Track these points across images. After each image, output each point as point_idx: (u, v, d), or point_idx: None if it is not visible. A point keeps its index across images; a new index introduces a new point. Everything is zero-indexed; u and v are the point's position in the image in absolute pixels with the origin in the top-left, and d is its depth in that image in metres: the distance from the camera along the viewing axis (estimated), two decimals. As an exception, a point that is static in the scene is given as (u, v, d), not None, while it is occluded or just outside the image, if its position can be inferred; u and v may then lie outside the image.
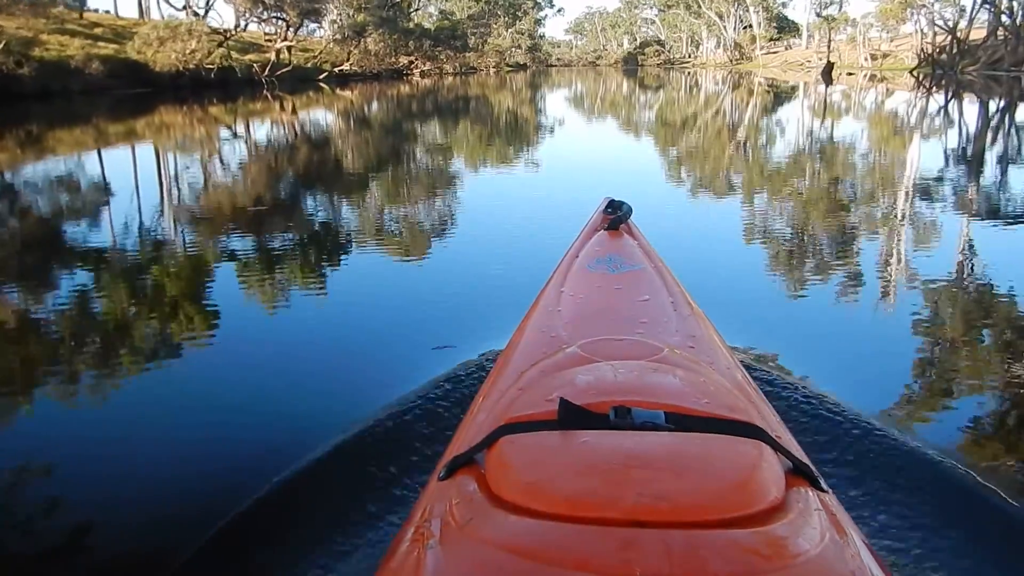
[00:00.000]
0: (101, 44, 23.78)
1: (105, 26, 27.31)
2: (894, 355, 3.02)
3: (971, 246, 4.84)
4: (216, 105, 21.53)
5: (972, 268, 4.29)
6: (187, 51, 22.73)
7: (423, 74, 45.07)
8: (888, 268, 4.22)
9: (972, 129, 14.34)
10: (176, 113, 19.34)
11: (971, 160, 9.88)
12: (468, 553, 0.85)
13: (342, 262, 4.89)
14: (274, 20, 29.73)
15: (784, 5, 70.27)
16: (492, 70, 61.60)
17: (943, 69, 33.46)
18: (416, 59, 44.22)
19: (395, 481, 1.98)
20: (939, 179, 8.17)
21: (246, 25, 28.59)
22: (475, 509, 0.93)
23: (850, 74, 36.93)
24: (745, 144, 12.03)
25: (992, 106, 20.26)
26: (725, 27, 68.17)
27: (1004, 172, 8.82)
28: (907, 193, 6.86)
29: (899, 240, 4.92)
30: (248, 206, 6.76)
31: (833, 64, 35.62)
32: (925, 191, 7.14)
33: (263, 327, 3.59)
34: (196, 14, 25.97)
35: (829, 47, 39.52)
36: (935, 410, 2.52)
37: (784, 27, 71.86)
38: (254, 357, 3.16)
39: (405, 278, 4.46)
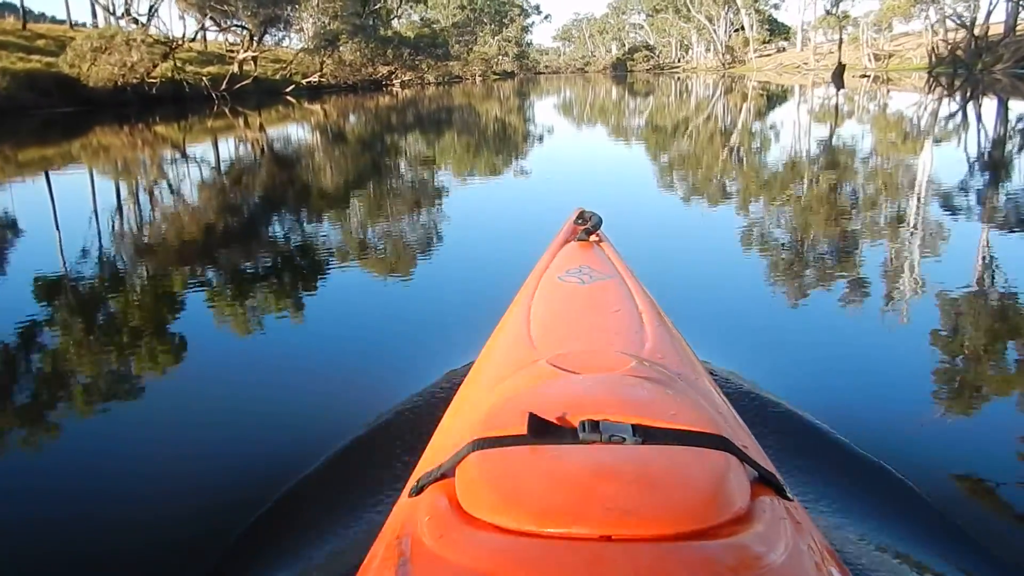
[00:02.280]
0: (35, 57, 21.31)
1: (49, 38, 24.79)
2: (864, 366, 2.99)
3: (951, 258, 4.79)
4: (163, 124, 19.20)
5: (947, 280, 4.16)
6: (127, 64, 20.09)
7: (404, 84, 43.11)
8: (862, 280, 4.22)
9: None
10: (114, 134, 17.04)
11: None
12: (439, 571, 0.89)
13: (308, 280, 4.76)
14: (235, 29, 27.21)
15: (776, 7, 68.72)
16: (478, 79, 60.12)
17: (965, 68, 31.03)
18: (396, 69, 42.07)
19: (365, 498, 1.97)
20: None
21: (196, 34, 26.04)
22: (445, 526, 0.95)
23: (863, 76, 34.51)
24: (741, 155, 10.07)
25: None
26: (715, 31, 66.55)
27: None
28: (911, 209, 6.48)
29: (878, 251, 4.90)
30: (193, 235, 6.42)
31: (844, 66, 33.31)
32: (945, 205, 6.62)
33: (228, 352, 3.49)
34: (137, 22, 23.31)
35: (841, 47, 37.04)
36: (905, 422, 2.50)
37: (774, 30, 70.48)
38: (217, 383, 3.10)
39: (374, 293, 4.41)
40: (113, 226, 6.89)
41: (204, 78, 23.61)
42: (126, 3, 23.34)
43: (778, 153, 11.06)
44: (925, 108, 19.01)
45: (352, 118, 22.28)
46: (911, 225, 5.68)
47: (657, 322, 1.70)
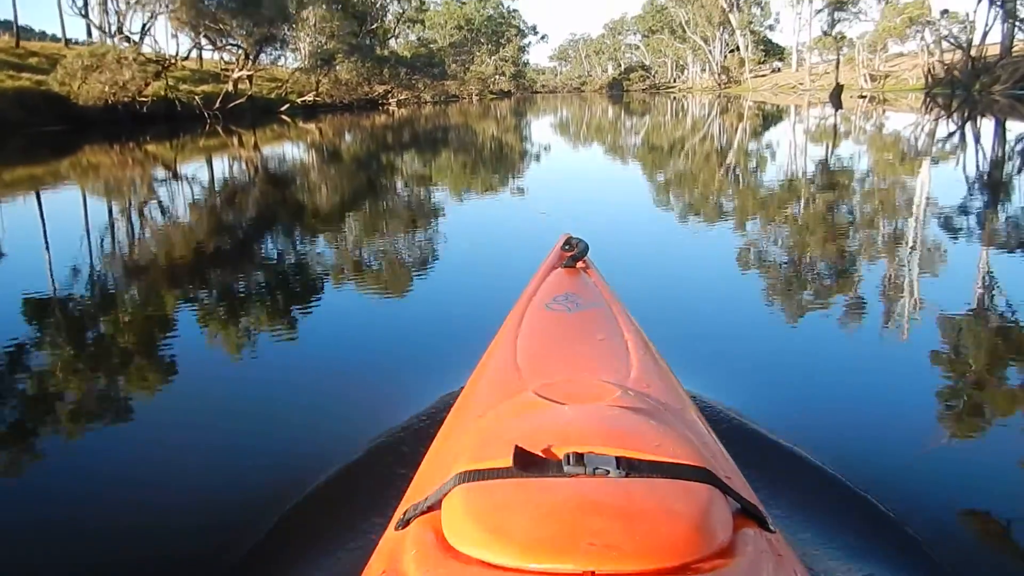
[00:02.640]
0: (26, 75, 21.08)
1: (43, 55, 24.60)
2: (850, 396, 2.93)
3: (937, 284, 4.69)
4: (154, 143, 18.97)
5: (936, 308, 4.07)
6: (118, 82, 19.78)
7: (400, 103, 43.03)
8: (851, 309, 4.11)
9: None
10: (104, 153, 16.80)
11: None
12: None
13: (296, 305, 4.66)
14: (230, 48, 27.03)
15: (771, 28, 69.06)
16: (475, 98, 60.15)
17: (963, 89, 30.92)
18: (392, 88, 41.99)
19: (352, 529, 1.94)
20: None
21: (189, 53, 25.79)
22: (431, 561, 0.96)
23: (861, 96, 34.41)
24: (734, 178, 9.85)
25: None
26: (711, 51, 66.80)
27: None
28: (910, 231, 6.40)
29: (869, 279, 4.77)
30: (180, 256, 6.30)
31: (842, 87, 33.20)
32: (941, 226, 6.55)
33: (213, 378, 3.40)
34: (130, 40, 23.05)
35: (838, 67, 36.96)
36: (891, 455, 2.46)
37: (769, 50, 70.78)
38: (200, 411, 3.00)
39: (363, 319, 4.34)
40: (103, 246, 6.77)
41: (197, 97, 23.28)
42: (119, 21, 23.13)
43: (773, 175, 10.85)
44: (924, 128, 18.86)
45: (346, 137, 22.13)
46: (904, 251, 5.57)
47: (643, 351, 1.71)
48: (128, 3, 22.07)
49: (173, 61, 24.11)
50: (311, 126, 25.61)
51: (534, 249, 2.91)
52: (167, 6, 21.33)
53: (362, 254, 6.19)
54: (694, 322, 3.94)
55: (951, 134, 17.38)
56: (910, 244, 5.78)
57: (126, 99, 20.66)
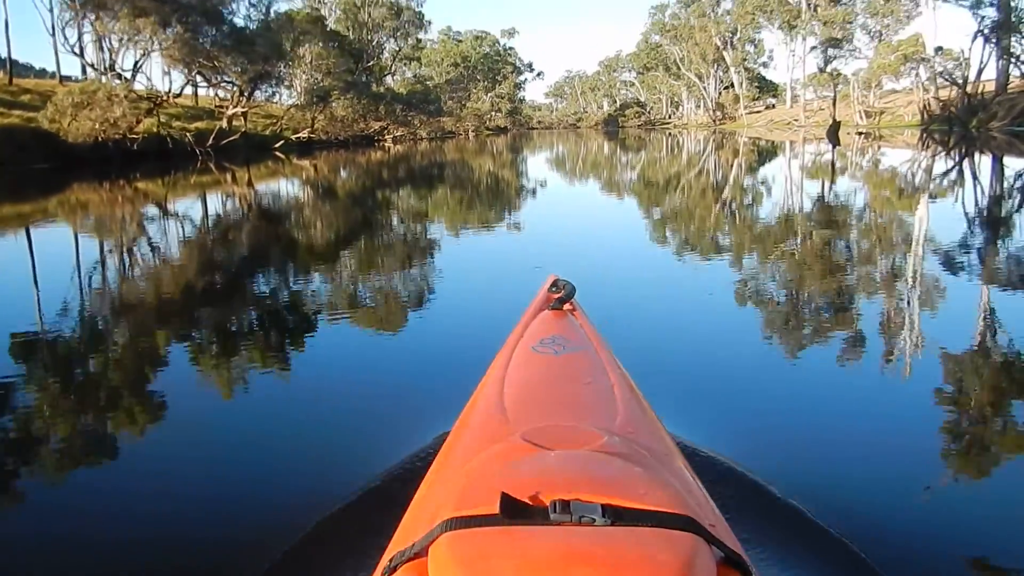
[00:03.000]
0: (16, 112, 20.85)
1: (36, 92, 24.45)
2: (838, 443, 2.85)
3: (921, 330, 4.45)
4: (144, 180, 18.69)
5: (925, 353, 3.98)
6: (109, 119, 19.56)
7: (396, 140, 43.09)
8: (839, 355, 3.99)
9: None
10: (92, 191, 16.51)
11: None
12: None
13: (282, 346, 4.58)
14: (225, 85, 26.92)
15: (764, 65, 69.72)
16: (471, 134, 60.44)
17: (961, 126, 30.88)
18: (388, 124, 42.05)
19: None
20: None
21: (183, 89, 25.73)
22: None
23: (859, 133, 34.36)
24: (727, 218, 9.54)
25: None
26: (705, 88, 67.35)
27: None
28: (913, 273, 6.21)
29: (858, 324, 4.62)
30: (168, 295, 6.27)
31: (840, 123, 33.15)
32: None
33: (196, 422, 3.32)
34: (122, 77, 22.89)
35: (835, 104, 37.01)
36: (877, 504, 2.39)
37: (763, 87, 71.42)
38: (183, 457, 2.93)
39: (350, 358, 4.23)
40: (90, 285, 6.61)
41: (188, 134, 23.04)
42: (110, 58, 23.01)
43: (767, 214, 10.52)
44: (923, 165, 18.67)
45: (341, 174, 21.92)
46: (897, 292, 5.45)
47: (628, 395, 1.72)
48: (121, 41, 21.95)
49: (165, 98, 23.93)
50: (305, 162, 25.40)
51: (522, 289, 2.91)
52: (160, 44, 21.21)
53: (351, 293, 6.09)
54: (681, 364, 3.90)
55: (951, 170, 17.16)
56: (903, 285, 5.66)
57: (117, 136, 20.40)
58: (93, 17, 20.87)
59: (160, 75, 30.07)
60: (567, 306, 2.32)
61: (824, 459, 2.73)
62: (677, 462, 1.48)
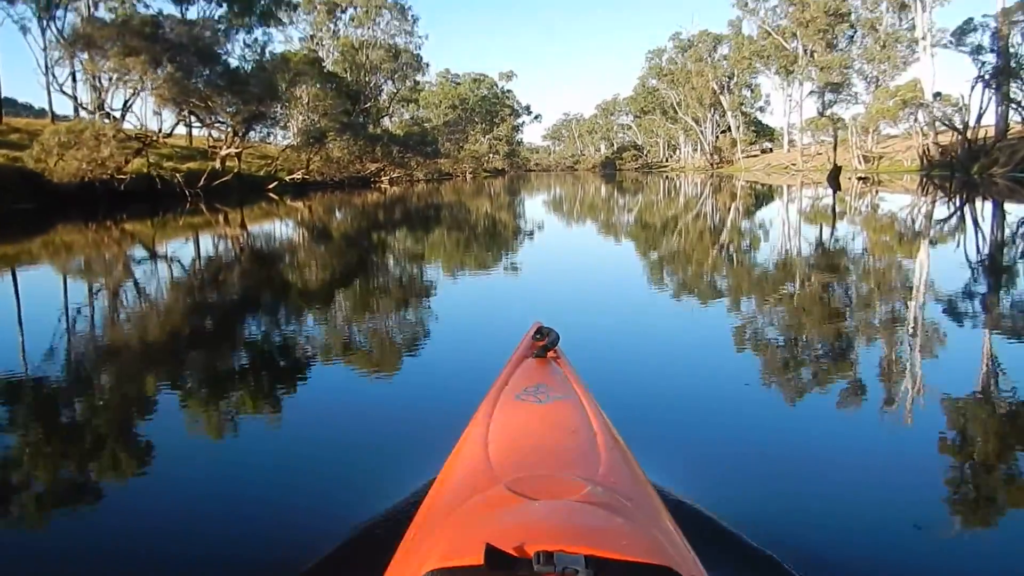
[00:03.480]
0: (3, 152, 20.42)
1: (25, 132, 24.06)
2: (821, 494, 2.82)
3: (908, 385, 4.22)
4: (132, 221, 18.20)
5: (911, 402, 3.87)
6: (95, 159, 19.05)
7: (392, 181, 42.83)
8: (825, 406, 3.92)
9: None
10: (78, 232, 16.04)
11: None
12: None
13: (266, 392, 4.42)
14: (218, 125, 26.60)
15: (761, 110, 70.13)
16: (469, 176, 60.43)
17: (963, 171, 30.62)
18: (385, 166, 41.83)
19: None
20: None
21: (173, 129, 25.25)
22: None
23: (860, 178, 34.06)
24: (726, 264, 9.00)
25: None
26: (702, 132, 67.63)
27: None
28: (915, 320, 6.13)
29: (845, 373, 4.47)
30: (147, 341, 6.10)
31: (840, 168, 32.90)
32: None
33: (172, 471, 3.28)
34: (110, 116, 22.46)
35: (835, 148, 36.81)
36: (862, 559, 2.37)
37: (760, 131, 71.75)
38: (154, 508, 2.90)
39: (335, 404, 4.15)
40: (71, 330, 6.45)
41: (179, 174, 22.54)
42: (99, 97, 22.63)
43: (763, 264, 9.97)
44: (928, 211, 18.23)
45: (335, 216, 21.59)
46: (883, 343, 5.29)
47: (611, 444, 1.74)
48: (111, 80, 21.61)
49: (155, 138, 23.49)
50: (299, 204, 25.01)
51: (508, 335, 2.92)
52: (151, 83, 20.87)
53: (338, 339, 5.93)
54: (664, 412, 3.85)
55: (954, 216, 16.76)
56: (892, 334, 5.48)
57: (105, 176, 19.91)
58: (84, 56, 20.60)
59: (151, 114, 29.65)
60: (551, 353, 2.34)
61: (805, 509, 2.70)
62: (659, 512, 1.50)
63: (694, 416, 3.79)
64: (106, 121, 21.54)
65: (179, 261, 11.41)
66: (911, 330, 5.58)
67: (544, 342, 2.36)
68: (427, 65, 54.09)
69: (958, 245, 11.35)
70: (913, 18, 42.38)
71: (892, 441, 3.40)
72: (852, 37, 48.22)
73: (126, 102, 23.03)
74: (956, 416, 3.67)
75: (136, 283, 9.14)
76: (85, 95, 24.73)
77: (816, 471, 3.04)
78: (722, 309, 6.72)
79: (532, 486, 1.38)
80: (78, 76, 24.07)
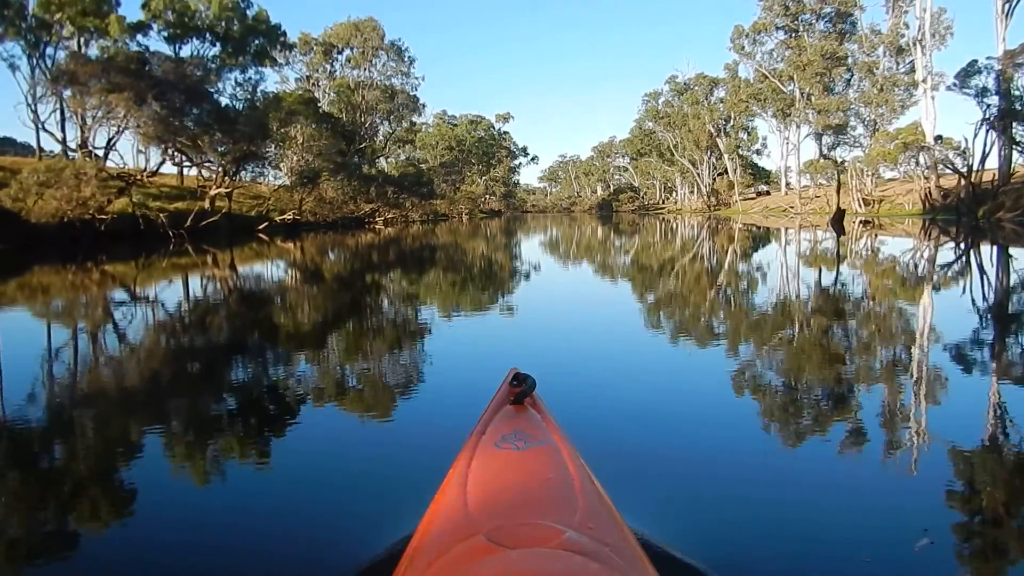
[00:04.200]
0: (-18, 191, 19.73)
1: (10, 170, 23.43)
2: (802, 539, 2.81)
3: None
4: (112, 263, 17.46)
5: (900, 451, 3.79)
6: (73, 199, 18.30)
7: (387, 222, 42.33)
8: (811, 452, 3.85)
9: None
10: (54, 273, 15.30)
11: None
12: None
13: (240, 442, 4.25)
14: (208, 164, 25.98)
15: (758, 153, 70.26)
16: (465, 216, 60.15)
17: (971, 215, 30.06)
18: (379, 207, 41.33)
19: None
20: None
21: (158, 167, 24.57)
22: None
23: (864, 222, 33.50)
24: (718, 311, 8.26)
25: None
26: (699, 174, 67.61)
27: None
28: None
29: (829, 418, 4.42)
30: (130, 386, 5.87)
31: (844, 211, 32.34)
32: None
33: (136, 525, 3.14)
34: (93, 155, 21.72)
35: (839, 191, 36.32)
36: None
37: (756, 174, 71.85)
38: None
39: (312, 456, 3.93)
40: (41, 376, 6.12)
41: (162, 214, 21.75)
42: (81, 135, 21.97)
43: (756, 317, 9.23)
44: (949, 261, 17.53)
45: (326, 258, 20.82)
46: (876, 389, 5.16)
47: (589, 489, 1.77)
48: (94, 117, 20.96)
49: (139, 177, 22.78)
50: (289, 245, 24.33)
51: (487, 381, 2.91)
52: (136, 122, 20.18)
53: (319, 386, 5.67)
54: (644, 457, 3.78)
55: (967, 262, 16.06)
56: (896, 385, 5.25)
57: (87, 216, 19.14)
58: (68, 93, 19.98)
59: (137, 153, 28.95)
60: (528, 400, 2.36)
61: (786, 555, 2.68)
62: (638, 557, 1.50)
63: (674, 461, 3.75)
64: (88, 159, 20.78)
65: (158, 306, 10.66)
66: (939, 385, 5.26)
67: (521, 388, 2.37)
68: (424, 106, 54.09)
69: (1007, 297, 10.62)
70: (912, 60, 42.46)
71: (878, 485, 3.31)
72: (849, 81, 48.29)
73: (110, 140, 22.39)
74: (941, 457, 3.66)
75: (111, 328, 8.69)
76: (72, 133, 24.18)
77: (799, 517, 2.98)
78: (707, 355, 6.55)
79: (511, 535, 1.39)
80: (66, 113, 23.49)
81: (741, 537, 2.78)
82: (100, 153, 22.29)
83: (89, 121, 21.70)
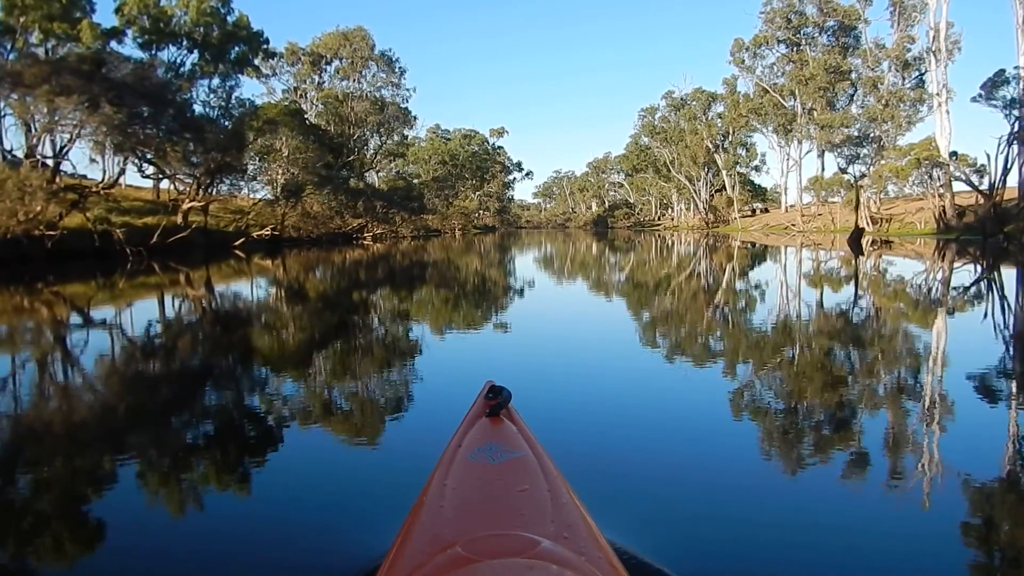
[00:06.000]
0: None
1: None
2: (773, 550, 2.79)
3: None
4: (61, 284, 15.71)
5: (863, 475, 3.67)
6: (15, 213, 16.38)
7: (376, 238, 40.71)
8: (797, 462, 3.82)
9: None
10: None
11: None
12: None
13: (216, 463, 4.17)
14: (180, 176, 24.18)
15: (756, 169, 68.93)
16: (458, 232, 58.73)
17: (1002, 234, 28.34)
18: (367, 222, 39.66)
19: None
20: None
21: (117, 179, 22.75)
22: None
23: (886, 241, 31.82)
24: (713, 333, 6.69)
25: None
26: (696, 190, 66.31)
27: None
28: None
29: (814, 431, 4.41)
30: (69, 419, 5.42)
31: (863, 230, 30.72)
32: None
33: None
34: (41, 164, 19.67)
35: (857, 209, 34.61)
36: None
37: (754, 190, 70.62)
38: None
39: (287, 472, 3.92)
40: None
41: (119, 230, 19.78)
42: (28, 143, 20.08)
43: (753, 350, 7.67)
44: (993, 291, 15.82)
45: (313, 275, 19.17)
46: (864, 410, 4.93)
47: (564, 499, 1.77)
48: (41, 123, 18.99)
49: (95, 188, 20.88)
50: (268, 263, 22.65)
51: (461, 395, 2.92)
52: (90, 127, 18.26)
53: (295, 403, 5.53)
54: (620, 467, 3.75)
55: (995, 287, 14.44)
56: (900, 409, 4.97)
57: (37, 232, 17.26)
58: (13, 96, 18.13)
59: (103, 161, 26.89)
60: (503, 412, 2.35)
61: (760, 564, 2.64)
62: (612, 565, 1.51)
63: (649, 471, 3.71)
64: (35, 170, 18.83)
65: (92, 342, 9.00)
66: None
67: (497, 401, 2.36)
68: (415, 118, 52.55)
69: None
70: (918, 76, 41.16)
71: (843, 502, 3.24)
72: (852, 96, 46.98)
73: (61, 148, 20.45)
74: (933, 483, 3.49)
75: (50, 359, 7.96)
76: (19, 140, 22.23)
77: (772, 528, 2.97)
78: (689, 371, 6.43)
79: (487, 546, 1.39)
80: (10, 120, 21.49)
81: (713, 547, 2.78)
82: (51, 163, 20.33)
83: (36, 128, 19.80)
